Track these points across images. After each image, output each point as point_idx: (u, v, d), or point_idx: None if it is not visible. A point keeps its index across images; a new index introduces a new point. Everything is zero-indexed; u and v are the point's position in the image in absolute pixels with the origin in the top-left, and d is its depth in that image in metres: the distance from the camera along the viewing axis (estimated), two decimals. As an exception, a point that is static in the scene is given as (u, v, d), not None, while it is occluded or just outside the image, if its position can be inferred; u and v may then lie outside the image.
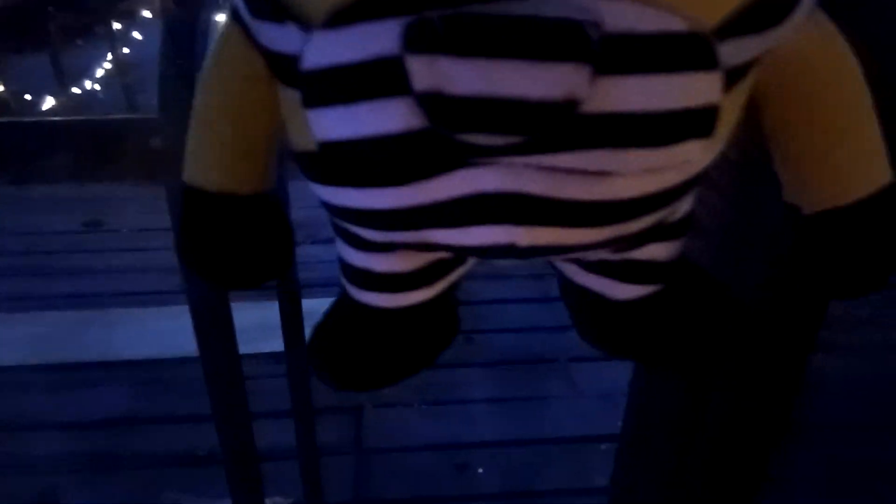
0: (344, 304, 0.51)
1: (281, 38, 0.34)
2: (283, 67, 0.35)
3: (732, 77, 0.33)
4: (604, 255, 0.44)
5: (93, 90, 3.45)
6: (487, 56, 0.27)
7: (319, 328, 0.54)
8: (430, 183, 0.33)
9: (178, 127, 0.82)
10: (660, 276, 0.47)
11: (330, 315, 0.54)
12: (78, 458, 1.47)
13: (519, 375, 1.70)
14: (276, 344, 0.97)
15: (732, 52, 0.32)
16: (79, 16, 3.88)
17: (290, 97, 0.35)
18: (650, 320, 0.49)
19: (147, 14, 3.41)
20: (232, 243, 0.44)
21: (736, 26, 0.31)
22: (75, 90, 3.37)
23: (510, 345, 1.77)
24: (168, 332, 1.69)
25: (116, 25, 3.61)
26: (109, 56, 3.57)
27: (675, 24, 0.28)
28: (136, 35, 3.68)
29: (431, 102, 0.28)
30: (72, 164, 2.65)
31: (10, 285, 2.06)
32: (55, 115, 3.07)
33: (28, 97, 3.26)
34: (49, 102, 3.17)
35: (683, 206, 0.43)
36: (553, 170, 0.31)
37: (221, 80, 0.41)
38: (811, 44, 0.38)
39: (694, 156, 0.34)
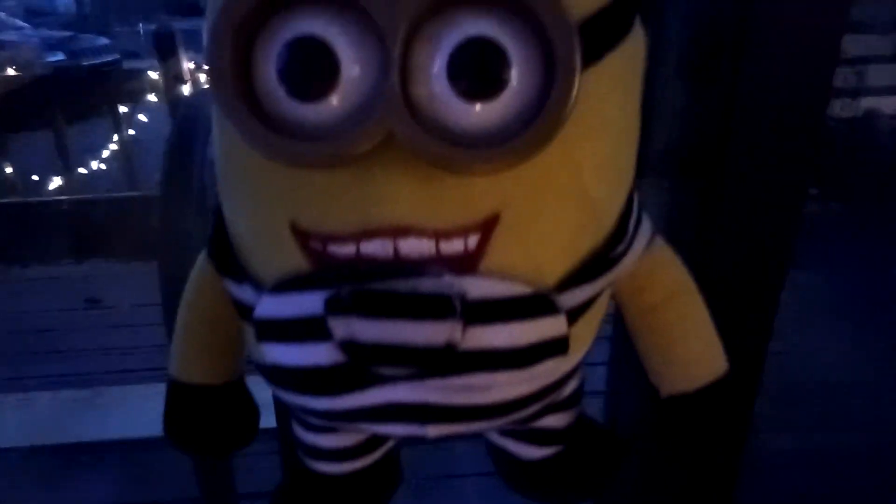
0: (299, 469, 0.60)
1: (239, 292, 0.45)
2: (241, 309, 0.45)
3: (580, 310, 0.43)
4: (511, 425, 0.52)
5: (98, 170, 3.55)
6: (384, 318, 0.37)
7: (279, 491, 0.63)
8: (355, 395, 0.42)
9: (177, 204, 0.85)
10: (561, 439, 0.56)
11: (288, 478, 0.63)
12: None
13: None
14: (269, 420, 0.99)
15: (573, 297, 0.41)
16: (85, 98, 4.04)
17: (247, 326, 0.45)
18: (559, 473, 0.58)
19: (152, 98, 3.55)
20: (210, 425, 0.56)
21: (571, 281, 0.41)
22: (81, 170, 3.48)
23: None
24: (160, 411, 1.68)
25: (122, 108, 3.75)
26: (115, 137, 3.70)
27: (521, 289, 0.39)
28: (141, 117, 3.82)
29: (347, 347, 0.38)
30: (73, 242, 2.69)
31: (8, 366, 2.04)
32: (60, 195, 3.15)
33: (34, 178, 3.35)
34: (55, 182, 3.26)
35: (570, 387, 0.52)
36: (446, 386, 0.41)
37: (200, 301, 0.52)
38: (650, 267, 0.48)
39: (556, 367, 0.43)
